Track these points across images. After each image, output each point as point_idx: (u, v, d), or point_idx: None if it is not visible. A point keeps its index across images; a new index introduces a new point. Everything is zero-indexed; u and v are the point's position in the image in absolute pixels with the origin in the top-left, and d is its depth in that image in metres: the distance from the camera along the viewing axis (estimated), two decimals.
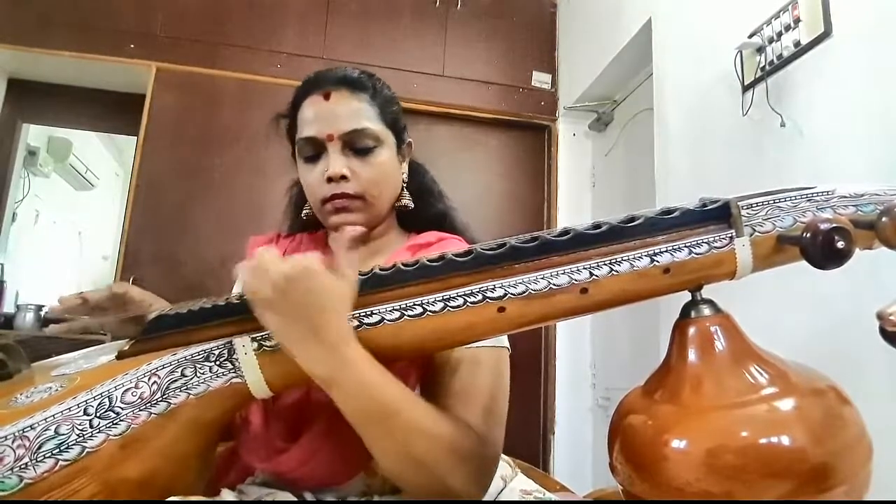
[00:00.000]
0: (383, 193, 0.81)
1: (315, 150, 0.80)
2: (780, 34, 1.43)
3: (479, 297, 0.54)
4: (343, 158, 0.78)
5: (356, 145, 0.79)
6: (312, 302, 0.54)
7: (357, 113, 0.79)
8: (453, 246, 0.79)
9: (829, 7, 1.30)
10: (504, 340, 0.73)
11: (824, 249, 0.47)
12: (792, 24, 1.40)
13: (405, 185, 0.87)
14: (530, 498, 0.77)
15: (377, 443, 0.58)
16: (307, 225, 0.92)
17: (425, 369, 0.71)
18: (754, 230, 0.52)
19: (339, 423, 0.65)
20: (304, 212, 0.88)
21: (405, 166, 0.88)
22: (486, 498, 0.72)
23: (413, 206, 0.87)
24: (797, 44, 1.38)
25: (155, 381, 0.57)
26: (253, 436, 0.73)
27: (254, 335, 0.57)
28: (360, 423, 0.57)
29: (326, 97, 0.79)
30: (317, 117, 0.79)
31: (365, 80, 0.82)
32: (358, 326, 0.57)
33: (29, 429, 0.53)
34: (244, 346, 0.57)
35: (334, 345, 0.55)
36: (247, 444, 0.74)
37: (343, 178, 0.77)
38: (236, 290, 0.89)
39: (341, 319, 0.55)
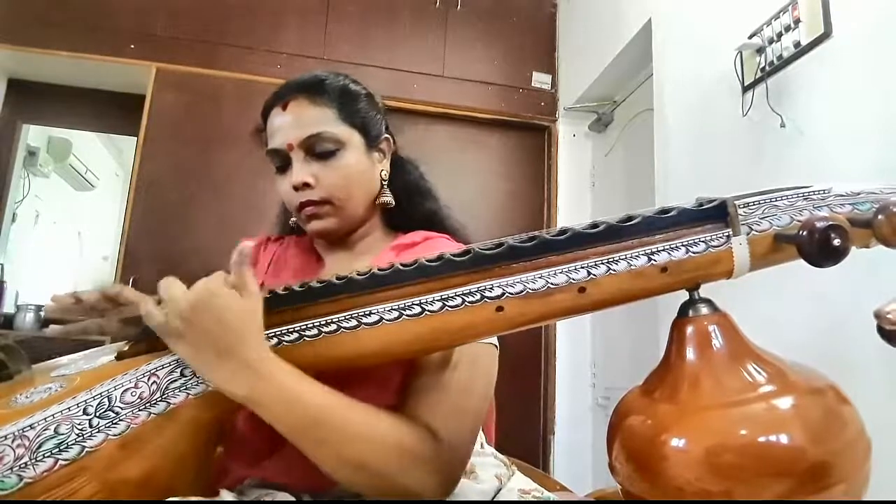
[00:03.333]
0: (352, 195, 0.81)
1: (281, 160, 0.81)
2: (780, 35, 1.43)
3: (478, 296, 0.54)
4: (306, 166, 0.78)
5: (316, 150, 0.79)
6: (219, 324, 0.55)
7: (314, 118, 0.79)
8: (441, 245, 0.78)
9: (829, 7, 1.30)
10: (493, 338, 0.71)
11: (821, 247, 0.47)
12: (792, 25, 1.40)
13: (385, 182, 0.86)
14: (529, 497, 0.77)
15: (313, 452, 0.57)
16: (295, 229, 0.92)
17: (409, 371, 0.70)
18: (751, 229, 0.52)
19: None
20: (292, 219, 0.88)
21: (386, 163, 0.87)
22: (483, 497, 0.72)
23: (394, 203, 0.86)
24: (797, 44, 1.38)
25: (154, 382, 0.57)
26: (239, 441, 0.72)
27: None
28: (292, 435, 0.57)
29: (284, 107, 0.80)
30: (278, 128, 0.80)
31: (327, 82, 0.82)
32: (357, 326, 0.57)
33: (29, 428, 0.53)
34: None
35: (248, 362, 0.55)
36: (233, 449, 0.73)
37: (307, 185, 0.78)
38: None
39: (252, 336, 0.56)
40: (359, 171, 0.82)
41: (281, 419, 0.56)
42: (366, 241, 0.85)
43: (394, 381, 0.70)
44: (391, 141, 0.88)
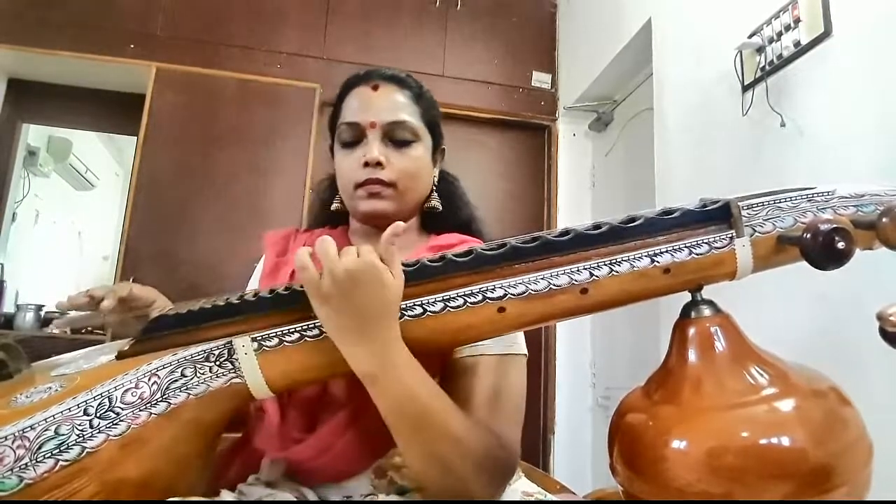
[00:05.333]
0: (415, 187, 0.83)
1: (355, 135, 0.82)
2: (780, 34, 1.43)
3: (479, 297, 0.55)
4: (381, 146, 0.81)
5: (395, 136, 0.81)
6: (369, 298, 0.54)
7: (401, 106, 0.82)
8: None
9: (829, 7, 1.30)
10: (523, 347, 0.74)
11: (825, 250, 0.47)
12: (792, 24, 1.39)
13: (435, 188, 0.89)
14: (531, 499, 0.77)
15: (409, 443, 0.59)
16: (327, 221, 0.93)
17: (441, 373, 0.71)
18: (754, 230, 0.52)
19: (357, 415, 0.66)
20: (335, 205, 0.89)
21: (437, 171, 0.90)
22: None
23: (441, 208, 0.89)
24: (797, 44, 1.38)
25: (155, 382, 0.57)
26: (268, 425, 0.73)
27: (254, 335, 0.57)
28: (395, 422, 0.58)
29: (375, 88, 0.83)
30: (362, 105, 0.82)
31: (411, 81, 0.86)
32: None
33: (29, 429, 0.53)
34: (244, 346, 0.57)
35: (382, 344, 0.55)
36: (262, 432, 0.74)
37: (378, 164, 0.79)
38: (251, 286, 0.89)
39: (392, 318, 0.56)
40: (424, 166, 0.85)
41: (391, 405, 0.57)
42: (404, 239, 0.86)
43: None
44: (444, 153, 0.92)
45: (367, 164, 0.79)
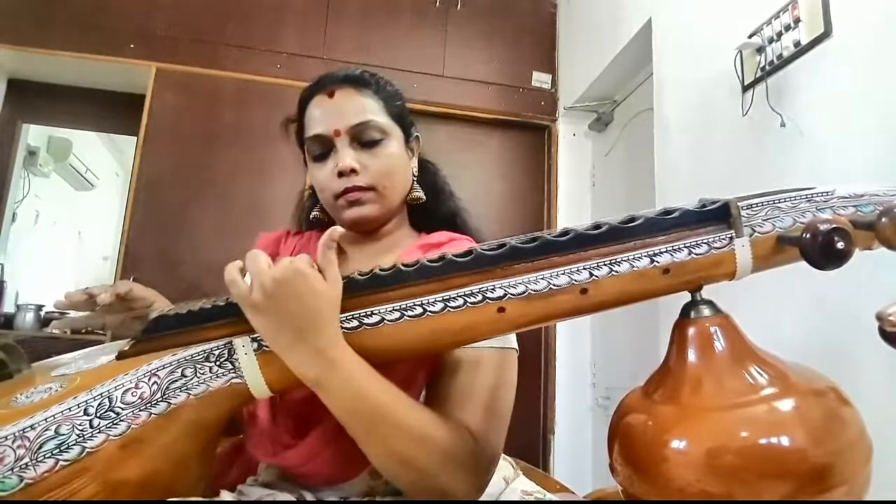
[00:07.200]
0: (394, 184, 0.82)
1: (323, 147, 0.81)
2: (780, 34, 1.43)
3: (479, 297, 0.54)
4: (352, 152, 0.79)
5: (363, 138, 0.80)
6: (301, 305, 0.55)
7: (362, 107, 0.80)
8: (465, 246, 0.79)
9: (829, 7, 1.30)
10: (512, 341, 0.73)
11: (824, 250, 0.47)
12: (792, 25, 1.40)
13: (416, 179, 0.88)
14: (531, 499, 0.77)
15: (366, 443, 0.59)
16: (315, 225, 0.92)
17: (433, 371, 0.71)
18: (754, 231, 0.52)
19: None
20: (313, 214, 0.89)
21: (415, 161, 0.89)
22: (488, 498, 0.73)
23: (425, 198, 0.88)
24: (797, 44, 1.38)
25: (155, 382, 0.57)
26: (260, 430, 0.73)
27: (254, 335, 0.58)
28: (348, 423, 0.58)
29: (331, 95, 0.80)
30: (323, 115, 0.80)
31: (367, 77, 0.84)
32: (358, 327, 0.57)
33: (29, 429, 0.53)
34: (244, 346, 0.57)
35: (322, 347, 0.55)
36: (253, 438, 0.74)
37: (353, 171, 0.78)
38: None
39: (329, 322, 0.56)
40: (399, 162, 0.83)
41: (342, 407, 0.57)
42: (392, 237, 0.86)
43: (418, 381, 0.71)
44: (419, 141, 0.91)
45: (341, 174, 0.78)
